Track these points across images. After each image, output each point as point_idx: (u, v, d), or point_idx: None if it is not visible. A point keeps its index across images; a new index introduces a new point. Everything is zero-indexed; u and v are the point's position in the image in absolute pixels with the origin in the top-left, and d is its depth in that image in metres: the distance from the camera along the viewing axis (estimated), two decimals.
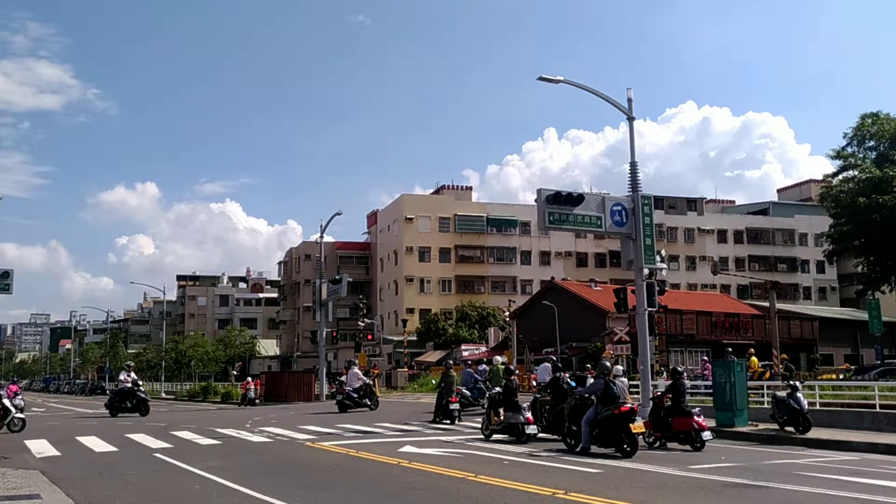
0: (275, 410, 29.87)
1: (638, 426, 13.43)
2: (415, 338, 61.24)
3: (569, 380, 16.82)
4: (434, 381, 36.89)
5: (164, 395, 58.25)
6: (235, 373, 67.99)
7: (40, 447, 15.68)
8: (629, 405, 13.77)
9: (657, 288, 19.46)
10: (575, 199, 17.95)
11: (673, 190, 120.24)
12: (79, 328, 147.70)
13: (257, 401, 36.97)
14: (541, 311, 48.76)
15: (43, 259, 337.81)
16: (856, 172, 41.83)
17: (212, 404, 40.27)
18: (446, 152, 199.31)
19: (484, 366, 29.26)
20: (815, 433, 16.02)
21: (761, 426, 17.46)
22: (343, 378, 42.16)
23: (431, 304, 69.83)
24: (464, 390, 24.40)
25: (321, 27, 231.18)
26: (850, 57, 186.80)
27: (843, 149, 42.59)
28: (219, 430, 19.60)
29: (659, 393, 16.20)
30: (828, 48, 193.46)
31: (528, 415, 15.86)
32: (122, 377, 28.42)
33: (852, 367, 39.30)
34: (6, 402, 19.05)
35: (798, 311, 55.97)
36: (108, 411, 27.46)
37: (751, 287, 72.17)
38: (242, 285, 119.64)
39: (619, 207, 18.63)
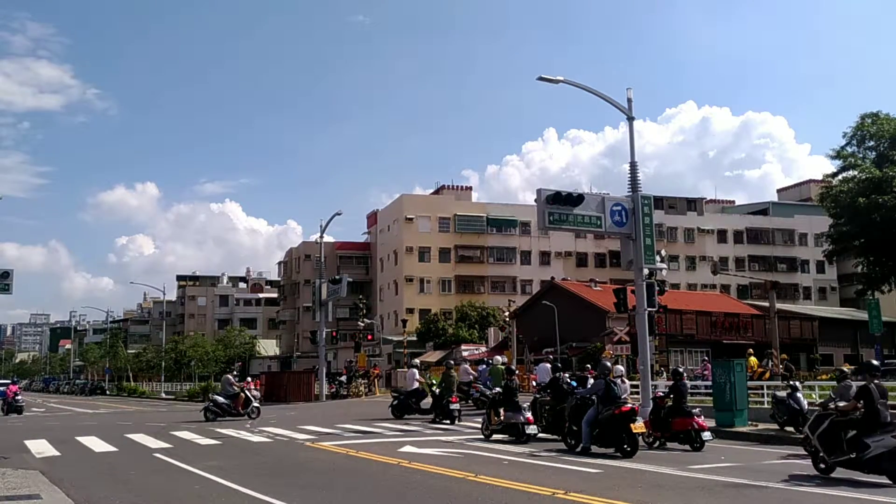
0: (274, 410, 29.87)
1: (638, 426, 13.43)
2: (415, 338, 61.19)
3: (569, 380, 16.85)
4: (434, 382, 36.83)
5: (163, 395, 58.25)
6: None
7: (40, 447, 15.69)
8: (630, 405, 13.80)
9: (657, 288, 19.44)
10: (575, 199, 17.94)
11: (673, 190, 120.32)
12: (79, 328, 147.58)
13: None
14: (541, 311, 48.75)
15: (43, 259, 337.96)
16: (856, 172, 41.72)
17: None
18: (446, 152, 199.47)
19: (484, 366, 29.26)
20: None
21: (761, 426, 17.46)
22: (342, 378, 41.97)
23: (431, 304, 69.79)
24: (482, 388, 24.46)
25: (321, 27, 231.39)
26: (850, 57, 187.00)
27: (843, 148, 42.48)
28: (219, 430, 19.60)
29: (660, 394, 16.21)
30: (828, 48, 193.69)
31: (528, 415, 15.87)
32: (414, 374, 24.80)
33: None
34: (247, 392, 24.37)
35: (798, 311, 55.95)
36: (392, 414, 23.55)
37: (751, 287, 72.14)
38: (242, 285, 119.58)
39: (619, 207, 18.62)
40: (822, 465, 10.92)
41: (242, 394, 24.27)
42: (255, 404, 24.34)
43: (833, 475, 10.69)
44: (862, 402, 10.49)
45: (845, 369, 13.83)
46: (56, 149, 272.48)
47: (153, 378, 74.04)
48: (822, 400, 14.52)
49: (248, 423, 22.17)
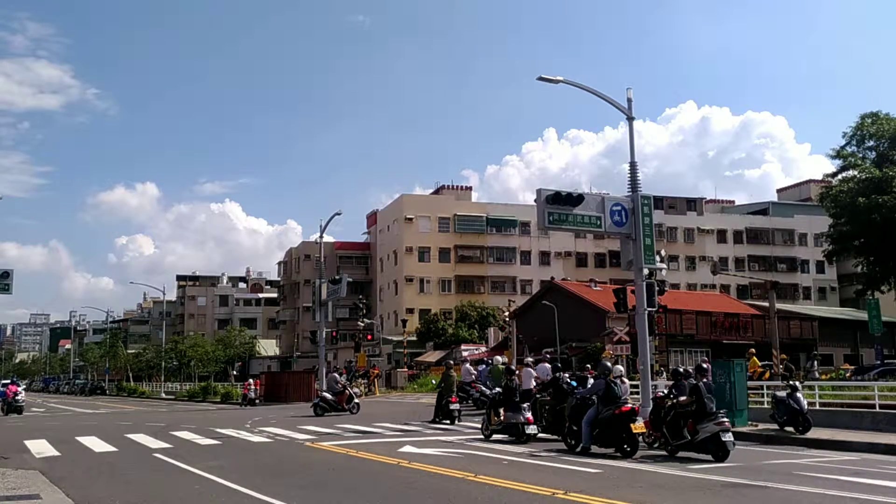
0: (275, 411, 29.86)
1: (638, 426, 13.45)
2: (415, 338, 61.20)
3: (569, 380, 16.84)
4: (434, 381, 36.87)
5: (163, 395, 58.26)
6: (235, 373, 67.95)
7: (40, 447, 15.69)
8: (630, 405, 13.81)
9: (657, 288, 19.38)
10: (574, 199, 17.89)
11: (673, 190, 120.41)
12: (78, 328, 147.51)
13: (257, 401, 36.99)
14: (541, 311, 48.71)
15: (43, 259, 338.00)
16: (855, 172, 41.79)
17: (211, 404, 40.28)
18: (446, 152, 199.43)
19: (484, 366, 29.24)
20: (814, 433, 16.03)
21: (761, 426, 17.46)
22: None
23: (431, 304, 69.79)
24: (483, 388, 24.38)
25: (321, 27, 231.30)
26: (850, 57, 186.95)
27: (843, 148, 42.55)
28: (219, 430, 19.60)
29: (660, 394, 16.18)
30: (828, 48, 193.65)
31: (528, 415, 15.87)
32: (531, 373, 20.69)
33: (851, 367, 39.21)
34: (348, 391, 26.60)
35: (798, 311, 55.90)
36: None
37: (750, 287, 72.14)
38: (242, 285, 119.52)
39: (619, 207, 18.58)
40: (670, 448, 13.47)
41: (346, 391, 26.68)
42: (356, 401, 26.62)
43: (678, 455, 13.18)
44: (694, 396, 13.14)
45: (682, 370, 16.28)
46: (56, 149, 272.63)
47: (153, 378, 74.05)
48: (661, 395, 16.32)
49: (247, 422, 22.18)
